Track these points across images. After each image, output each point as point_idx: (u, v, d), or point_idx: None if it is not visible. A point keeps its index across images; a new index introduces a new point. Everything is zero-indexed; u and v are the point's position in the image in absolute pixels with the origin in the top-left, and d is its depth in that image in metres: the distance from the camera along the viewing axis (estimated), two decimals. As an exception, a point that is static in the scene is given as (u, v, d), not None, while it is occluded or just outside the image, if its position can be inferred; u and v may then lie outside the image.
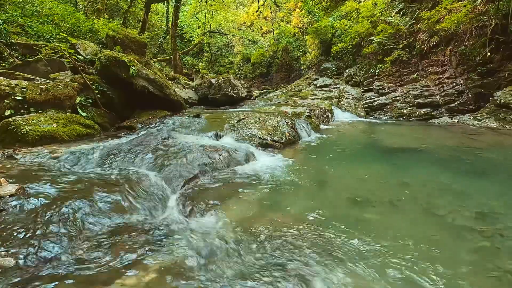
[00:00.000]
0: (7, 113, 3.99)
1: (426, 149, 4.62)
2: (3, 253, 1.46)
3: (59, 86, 4.67)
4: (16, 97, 4.12)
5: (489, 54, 7.21)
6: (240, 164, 3.55)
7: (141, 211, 2.15)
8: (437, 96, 8.47)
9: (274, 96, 12.74)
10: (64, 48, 5.25)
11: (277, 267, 1.54)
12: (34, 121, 3.87)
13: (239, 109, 8.30)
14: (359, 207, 2.39)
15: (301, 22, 17.67)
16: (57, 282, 1.34)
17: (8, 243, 1.54)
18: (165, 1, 18.14)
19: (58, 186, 2.16)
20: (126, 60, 5.40)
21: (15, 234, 1.60)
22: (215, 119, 5.59)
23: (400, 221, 2.14)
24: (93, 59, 6.31)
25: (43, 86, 4.48)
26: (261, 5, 20.05)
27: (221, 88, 9.62)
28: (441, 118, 8.20)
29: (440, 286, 1.44)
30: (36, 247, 1.55)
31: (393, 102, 9.29)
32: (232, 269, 1.51)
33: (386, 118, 9.12)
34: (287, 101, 10.10)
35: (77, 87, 4.94)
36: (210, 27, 20.69)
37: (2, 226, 1.64)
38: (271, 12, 20.46)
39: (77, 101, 4.85)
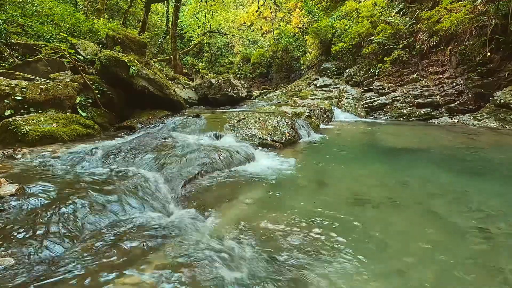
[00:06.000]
0: (7, 113, 3.99)
1: (426, 149, 4.62)
2: (3, 253, 1.46)
3: (59, 86, 4.67)
4: (16, 97, 4.12)
5: (489, 54, 7.21)
6: (240, 164, 3.55)
7: (141, 210, 2.15)
8: (437, 96, 8.47)
9: (274, 96, 12.74)
10: (64, 48, 5.25)
11: (274, 266, 1.55)
12: (34, 121, 3.88)
13: (239, 109, 8.30)
14: (359, 206, 2.39)
15: (301, 22, 17.68)
16: (57, 282, 1.34)
17: (8, 243, 1.54)
18: (165, 1, 18.14)
19: (58, 186, 2.16)
20: (126, 60, 5.40)
21: (15, 234, 1.60)
22: (215, 119, 5.59)
23: (400, 220, 2.14)
24: (93, 59, 6.32)
25: (43, 86, 4.48)
26: (261, 5, 20.05)
27: (221, 88, 9.61)
28: (441, 118, 8.21)
29: (440, 285, 1.44)
30: (36, 247, 1.55)
31: (393, 102, 9.29)
32: (232, 270, 1.51)
33: (386, 118, 9.12)
34: (287, 101, 10.09)
35: (77, 87, 4.94)
36: (210, 27, 20.70)
37: (2, 226, 1.64)
38: (271, 12, 20.46)
39: (77, 101, 4.86)
